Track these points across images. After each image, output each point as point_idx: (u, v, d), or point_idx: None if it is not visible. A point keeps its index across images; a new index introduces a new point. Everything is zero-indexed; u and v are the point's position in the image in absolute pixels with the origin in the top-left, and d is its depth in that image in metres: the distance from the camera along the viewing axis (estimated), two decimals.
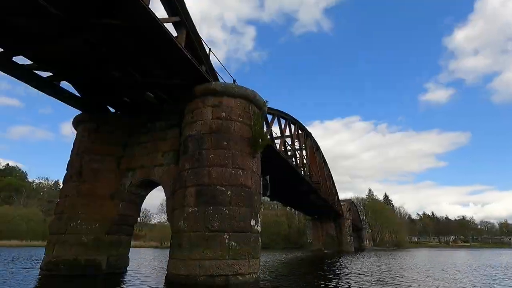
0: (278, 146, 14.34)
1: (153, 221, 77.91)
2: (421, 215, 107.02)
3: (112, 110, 9.86)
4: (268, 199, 27.92)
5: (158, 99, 9.39)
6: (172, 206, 7.34)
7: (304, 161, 20.60)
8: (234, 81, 10.00)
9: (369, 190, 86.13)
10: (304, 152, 21.46)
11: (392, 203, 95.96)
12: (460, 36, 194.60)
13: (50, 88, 8.26)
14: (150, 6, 5.58)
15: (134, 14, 5.57)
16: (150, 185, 8.94)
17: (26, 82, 7.72)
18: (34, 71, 7.68)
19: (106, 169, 8.81)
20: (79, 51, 6.80)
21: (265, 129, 11.19)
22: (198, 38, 7.55)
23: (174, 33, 6.97)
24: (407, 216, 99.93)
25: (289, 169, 15.38)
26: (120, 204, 8.57)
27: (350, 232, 38.04)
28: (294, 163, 16.26)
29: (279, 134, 16.26)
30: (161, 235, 61.09)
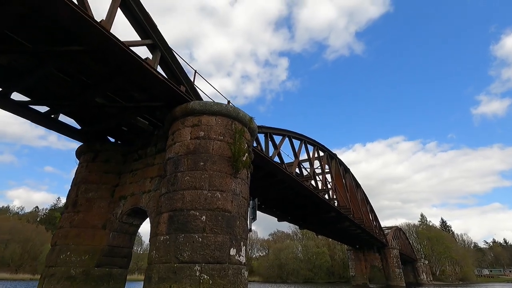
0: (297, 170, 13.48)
1: None
2: (491, 243, 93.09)
3: (112, 140, 10.07)
4: (298, 228, 26.10)
5: (152, 125, 9.40)
6: (151, 235, 6.84)
7: (329, 185, 19.14)
8: (229, 102, 9.73)
9: (421, 215, 77.70)
10: (329, 176, 20.04)
11: (451, 230, 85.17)
12: (510, 43, 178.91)
13: (48, 122, 8.66)
14: (125, 30, 5.58)
15: (95, 40, 5.60)
16: (140, 214, 8.61)
17: (24, 117, 8.18)
18: (31, 106, 8.14)
19: (100, 198, 8.75)
20: (60, 81, 7.05)
21: (264, 148, 10.52)
22: (175, 60, 7.45)
23: (150, 56, 6.98)
24: (472, 245, 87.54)
25: (303, 191, 14.24)
26: (110, 234, 8.32)
27: (398, 263, 33.75)
28: (311, 185, 15.04)
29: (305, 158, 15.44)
30: None
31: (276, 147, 12.43)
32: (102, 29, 5.47)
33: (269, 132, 12.01)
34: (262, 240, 72.18)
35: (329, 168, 20.07)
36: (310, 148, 17.24)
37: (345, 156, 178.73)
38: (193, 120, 7.20)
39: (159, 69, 7.22)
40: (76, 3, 5.27)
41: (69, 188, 9.32)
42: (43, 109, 8.54)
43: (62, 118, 9.49)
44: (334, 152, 21.67)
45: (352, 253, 36.84)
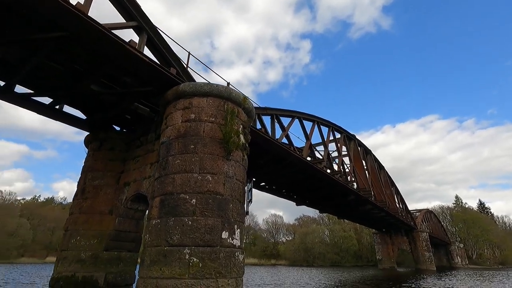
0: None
1: None
2: None
3: (117, 128, 10.23)
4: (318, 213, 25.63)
5: (153, 112, 9.39)
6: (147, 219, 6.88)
7: (347, 168, 18.42)
8: (228, 84, 9.44)
9: (456, 197, 73.63)
10: (347, 159, 19.27)
11: (490, 212, 79.99)
12: None
13: (53, 113, 8.93)
14: (110, 14, 5.45)
15: (73, 24, 5.51)
16: (143, 200, 8.73)
17: (29, 109, 8.47)
18: (35, 98, 8.40)
19: (106, 185, 8.98)
20: (54, 71, 7.13)
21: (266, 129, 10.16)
22: (163, 41, 7.24)
23: (136, 39, 6.82)
24: None
25: (316, 174, 13.78)
26: (116, 220, 8.55)
27: (428, 247, 32.35)
28: (324, 168, 14.50)
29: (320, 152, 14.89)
30: None
31: (284, 129, 12.01)
32: (78, 13, 5.36)
33: (276, 114, 11.59)
34: (287, 225, 72.55)
35: (347, 150, 19.27)
36: (325, 130, 16.57)
37: (373, 139, 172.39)
38: (184, 103, 7.02)
39: (147, 52, 7.07)
40: None
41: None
42: (47, 101, 8.83)
43: (68, 109, 9.79)
44: (352, 134, 20.74)
45: (378, 236, 35.86)
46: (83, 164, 9.69)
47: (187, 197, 5.99)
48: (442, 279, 14.89)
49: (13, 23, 5.66)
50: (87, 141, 9.97)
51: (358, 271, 29.00)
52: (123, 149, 9.52)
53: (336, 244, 58.99)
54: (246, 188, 7.14)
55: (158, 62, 7.20)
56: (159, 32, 7.12)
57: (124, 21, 6.65)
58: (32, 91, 8.07)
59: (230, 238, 6.06)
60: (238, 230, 6.36)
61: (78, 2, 5.49)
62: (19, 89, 8.10)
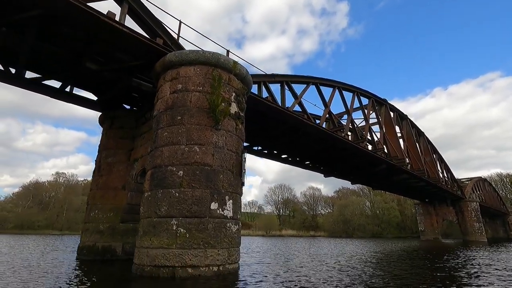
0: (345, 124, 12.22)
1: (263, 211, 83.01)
2: None
3: (128, 107, 10.48)
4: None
5: (156, 87, 9.37)
6: None
7: (376, 135, 17.12)
8: (228, 52, 9.00)
9: None
10: (376, 127, 17.85)
11: None
12: None
13: (64, 96, 9.35)
14: None
15: (49, 3, 5.45)
16: None
17: (41, 93, 8.95)
18: (44, 82, 8.82)
19: (118, 162, 9.37)
20: (51, 53, 7.31)
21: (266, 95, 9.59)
22: (146, 11, 6.94)
23: (117, 9, 6.62)
24: None
25: (338, 143, 12.99)
26: (128, 194, 8.95)
27: (477, 217, 29.72)
28: (346, 136, 13.54)
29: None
30: (266, 224, 64.39)
31: (296, 97, 11.30)
32: None
33: (285, 81, 10.87)
34: (326, 197, 71.87)
35: (377, 117, 17.78)
36: (348, 95, 15.33)
37: (422, 104, 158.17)
38: (172, 74, 6.78)
39: (132, 24, 6.86)
40: None
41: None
42: (57, 84, 9.23)
43: (81, 92, 10.16)
44: (383, 98, 19.00)
45: (420, 207, 33.78)
46: (99, 143, 10.20)
47: (174, 169, 5.92)
48: (487, 251, 13.52)
49: None
50: (100, 121, 10.40)
51: (397, 242, 27.90)
52: (132, 127, 9.76)
53: (377, 215, 57.25)
54: (243, 158, 6.85)
55: (144, 34, 6.99)
56: (142, 2, 6.81)
57: None
58: (40, 75, 8.45)
59: (220, 209, 5.93)
60: (230, 201, 6.19)
61: None
62: (30, 75, 8.55)
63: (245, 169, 6.74)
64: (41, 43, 7.00)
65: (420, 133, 24.11)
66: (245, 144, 14.63)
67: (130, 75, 8.21)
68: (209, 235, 5.62)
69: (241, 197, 6.81)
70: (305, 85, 12.09)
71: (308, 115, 11.44)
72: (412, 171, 19.64)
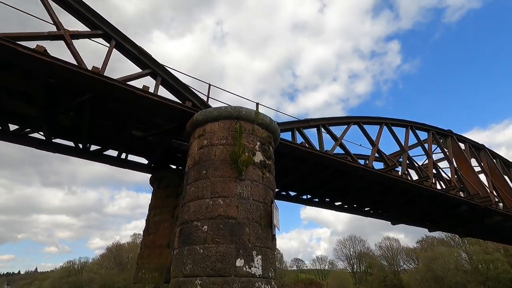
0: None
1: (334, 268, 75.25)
2: None
3: (174, 167, 11.27)
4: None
5: None
6: None
7: (444, 173, 14.90)
8: (257, 104, 9.36)
9: None
10: (443, 163, 15.67)
11: None
12: None
13: (121, 163, 10.58)
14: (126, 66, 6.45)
15: (94, 84, 6.59)
16: None
17: (104, 163, 10.29)
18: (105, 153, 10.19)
19: (164, 220, 9.75)
20: (104, 126, 8.56)
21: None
22: (177, 80, 7.81)
23: (153, 82, 7.62)
24: None
25: (393, 183, 11.57)
26: (172, 252, 9.03)
27: None
28: (403, 176, 12.00)
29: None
30: (340, 283, 57.40)
31: (336, 139, 10.78)
32: (96, 76, 6.39)
33: (321, 124, 10.57)
34: (407, 249, 62.15)
35: (442, 150, 15.64)
36: (401, 131, 14.04)
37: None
38: (199, 131, 7.19)
39: (166, 93, 7.74)
40: (75, 63, 6.43)
41: None
42: (114, 153, 10.57)
43: (134, 158, 11.36)
44: (447, 129, 16.90)
45: None
46: (149, 203, 10.92)
47: (199, 224, 5.85)
48: None
49: (58, 95, 7.15)
50: (151, 182, 11.28)
51: None
52: (176, 185, 10.30)
53: (479, 271, 46.46)
54: (273, 208, 6.49)
55: (176, 100, 7.78)
56: (171, 73, 7.74)
57: (141, 71, 7.52)
58: (100, 147, 9.83)
59: (247, 266, 5.48)
60: (259, 256, 5.72)
61: (93, 66, 6.56)
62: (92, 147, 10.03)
63: (276, 221, 6.31)
64: (94, 119, 8.28)
65: (508, 164, 20.18)
66: (292, 193, 14.11)
67: (168, 137, 8.99)
68: None
69: (274, 252, 6.27)
70: (346, 125, 11.54)
71: (352, 156, 10.65)
72: (506, 212, 16.01)
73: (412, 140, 15.03)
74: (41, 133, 9.00)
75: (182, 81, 7.82)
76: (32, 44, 5.97)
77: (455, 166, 15.44)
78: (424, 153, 14.89)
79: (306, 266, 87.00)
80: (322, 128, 10.69)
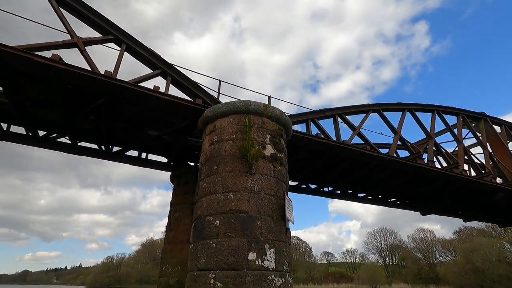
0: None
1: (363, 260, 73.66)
2: None
3: (192, 164, 11.51)
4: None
5: None
6: None
7: (476, 159, 13.93)
8: (269, 97, 9.27)
9: None
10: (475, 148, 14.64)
11: None
12: None
13: (142, 162, 10.99)
14: (137, 71, 6.69)
15: (108, 88, 6.86)
16: None
17: (126, 163, 10.76)
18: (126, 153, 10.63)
19: (184, 216, 10.01)
20: (121, 127, 8.90)
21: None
22: (187, 78, 7.91)
23: (164, 82, 7.78)
24: None
25: (418, 171, 11.01)
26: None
27: None
28: (430, 163, 11.33)
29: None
30: (371, 276, 56.08)
31: (354, 128, 10.42)
32: (107, 79, 6.64)
33: (337, 114, 10.24)
34: (443, 240, 59.16)
35: (474, 135, 14.59)
36: (427, 117, 13.28)
37: None
38: (210, 127, 7.25)
39: (176, 92, 7.89)
40: (90, 69, 6.72)
41: None
42: (135, 153, 10.99)
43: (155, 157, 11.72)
44: (480, 112, 15.73)
45: None
46: (170, 200, 11.26)
47: (212, 218, 5.93)
48: None
49: (76, 100, 7.52)
50: (171, 180, 11.60)
51: None
52: (194, 182, 10.43)
53: None
54: (286, 202, 6.42)
55: (187, 98, 7.90)
56: (181, 71, 7.86)
57: (151, 71, 7.71)
58: (120, 148, 10.26)
59: (260, 260, 5.48)
60: (272, 250, 5.70)
61: (105, 70, 6.81)
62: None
63: (289, 214, 6.24)
64: (112, 121, 8.61)
65: None
66: (312, 186, 13.89)
67: (183, 135, 9.17)
68: None
69: (288, 244, 6.20)
70: (364, 114, 11.11)
71: (372, 145, 10.24)
72: None
73: (440, 126, 14.22)
74: (67, 137, 9.56)
75: (192, 79, 7.88)
76: (48, 54, 6.32)
77: (490, 151, 14.36)
78: (453, 139, 13.98)
79: (336, 260, 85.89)
80: (339, 118, 10.36)
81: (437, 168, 11.44)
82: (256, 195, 6.07)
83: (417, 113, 12.79)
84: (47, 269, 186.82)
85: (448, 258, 55.68)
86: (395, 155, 12.78)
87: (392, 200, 15.50)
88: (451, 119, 14.56)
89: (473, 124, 15.63)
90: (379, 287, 52.87)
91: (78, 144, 9.94)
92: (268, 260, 5.55)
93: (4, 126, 9.19)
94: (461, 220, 18.55)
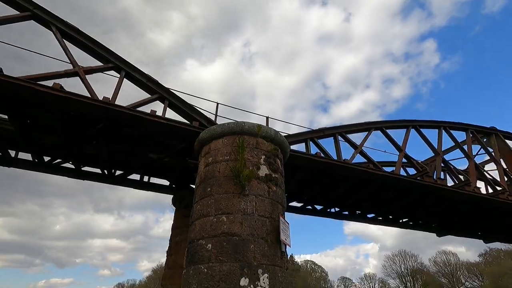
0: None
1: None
2: None
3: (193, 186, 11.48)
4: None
5: None
6: None
7: (490, 175, 13.36)
8: (268, 118, 9.32)
9: None
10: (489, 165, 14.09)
11: None
12: None
13: (146, 185, 11.06)
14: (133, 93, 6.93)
15: (107, 113, 7.08)
16: None
17: (127, 186, 10.84)
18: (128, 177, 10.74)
19: (184, 240, 9.73)
20: (123, 154, 9.06)
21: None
22: (184, 102, 8.09)
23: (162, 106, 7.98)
24: None
25: (425, 190, 10.61)
26: None
27: None
28: (439, 181, 10.89)
29: None
30: None
31: (355, 147, 10.25)
32: (105, 105, 6.87)
33: (337, 133, 10.14)
34: (467, 263, 55.49)
35: (486, 151, 14.07)
36: (434, 133, 12.98)
37: None
38: (205, 149, 7.28)
39: (174, 115, 8.05)
40: (89, 95, 7.00)
41: None
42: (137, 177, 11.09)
43: (157, 181, 11.80)
44: (491, 127, 15.26)
45: None
46: (171, 224, 11.15)
47: (204, 242, 5.79)
48: None
49: (77, 126, 7.76)
50: (172, 203, 11.56)
51: None
52: None
53: None
54: (280, 224, 6.23)
55: (185, 121, 8.04)
56: (177, 95, 8.07)
57: (150, 96, 7.93)
58: (122, 171, 10.39)
59: (252, 286, 5.25)
60: (265, 275, 5.46)
61: (104, 96, 7.06)
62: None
63: (284, 236, 6.04)
64: (113, 146, 8.79)
65: None
66: (318, 207, 13.53)
67: (183, 157, 9.23)
68: None
69: (284, 269, 5.94)
70: (366, 132, 10.96)
71: (375, 163, 9.98)
72: None
73: (449, 143, 13.84)
74: (70, 162, 9.80)
75: (188, 103, 8.06)
76: (50, 83, 6.64)
77: (504, 166, 13.75)
78: (463, 156, 13.50)
79: (355, 285, 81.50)
80: (340, 137, 10.24)
81: (447, 186, 10.97)
82: (249, 217, 5.93)
83: (424, 130, 12.53)
84: None
85: (475, 283, 51.96)
86: (405, 173, 12.47)
87: (404, 220, 14.84)
88: (461, 136, 14.19)
89: (484, 140, 15.13)
90: None
91: (82, 169, 10.16)
92: (261, 286, 5.31)
93: (12, 153, 9.55)
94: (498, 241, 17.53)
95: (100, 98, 6.99)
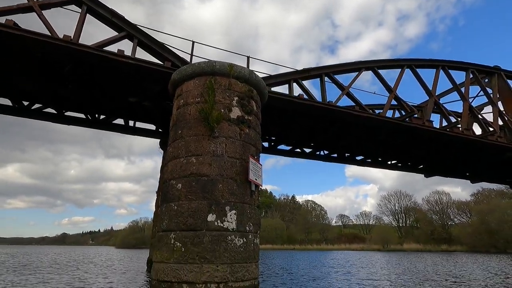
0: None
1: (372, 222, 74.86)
2: None
3: None
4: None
5: None
6: None
7: (483, 117, 13.01)
8: (248, 58, 8.86)
9: None
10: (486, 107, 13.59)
11: None
12: None
13: (131, 130, 11.09)
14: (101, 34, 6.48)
15: (68, 53, 6.69)
16: None
17: (111, 131, 10.88)
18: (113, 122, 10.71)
19: None
20: (97, 96, 8.86)
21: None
22: (154, 40, 7.55)
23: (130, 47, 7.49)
24: None
25: (412, 130, 10.49)
26: None
27: None
28: (426, 123, 10.67)
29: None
30: (383, 237, 57.14)
31: (342, 88, 9.84)
32: (67, 44, 6.44)
33: (324, 73, 9.63)
34: (458, 202, 58.34)
35: (485, 92, 13.47)
36: (429, 72, 12.31)
37: None
38: (178, 91, 7.03)
39: (143, 54, 7.60)
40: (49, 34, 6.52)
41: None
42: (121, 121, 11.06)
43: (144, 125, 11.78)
44: (494, 66, 14.37)
45: None
46: (160, 166, 11.49)
47: (174, 182, 5.95)
48: None
49: (47, 69, 7.44)
50: (160, 146, 11.75)
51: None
52: None
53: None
54: (250, 164, 6.30)
55: (158, 61, 7.62)
56: (147, 33, 7.49)
57: (117, 34, 7.39)
58: (104, 116, 10.32)
59: (219, 221, 5.52)
60: (233, 211, 5.71)
61: (64, 34, 6.57)
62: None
63: (255, 177, 6.15)
64: (89, 90, 8.55)
65: None
66: (307, 150, 13.65)
67: (162, 100, 9.01)
68: (205, 249, 5.29)
69: (254, 206, 6.20)
70: (356, 72, 10.41)
71: (361, 105, 9.68)
72: None
73: (448, 85, 13.23)
74: (51, 108, 9.69)
75: (159, 41, 7.53)
76: (2, 19, 6.13)
77: (500, 108, 13.33)
78: (460, 96, 13.01)
79: (352, 222, 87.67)
80: (326, 78, 9.77)
81: (433, 128, 10.78)
82: (218, 159, 5.97)
83: (422, 71, 11.86)
84: (82, 232, 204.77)
85: (463, 220, 55.35)
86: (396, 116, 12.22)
87: (392, 162, 15.07)
88: (462, 76, 13.47)
89: (486, 80, 14.42)
90: (391, 246, 53.96)
91: (65, 114, 10.09)
92: (228, 221, 5.59)
93: None
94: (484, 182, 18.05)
95: (61, 36, 6.52)
